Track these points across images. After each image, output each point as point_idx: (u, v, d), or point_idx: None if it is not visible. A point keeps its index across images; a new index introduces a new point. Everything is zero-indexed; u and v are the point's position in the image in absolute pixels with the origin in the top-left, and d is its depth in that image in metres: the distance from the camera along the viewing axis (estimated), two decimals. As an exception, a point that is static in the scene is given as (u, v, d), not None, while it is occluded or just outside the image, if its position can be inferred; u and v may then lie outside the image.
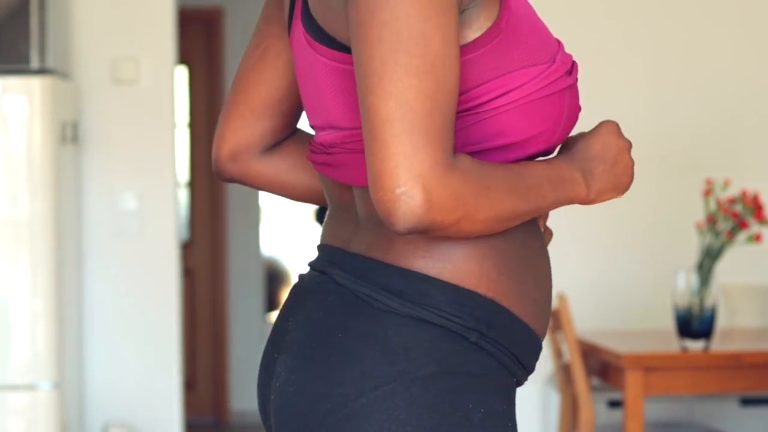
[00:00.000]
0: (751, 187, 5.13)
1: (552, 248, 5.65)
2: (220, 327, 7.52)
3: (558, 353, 4.44)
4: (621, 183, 1.57)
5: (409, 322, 1.45)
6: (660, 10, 5.28)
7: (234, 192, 7.63)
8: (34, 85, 4.52)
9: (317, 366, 1.47)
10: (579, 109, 1.56)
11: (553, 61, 1.51)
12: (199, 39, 7.65)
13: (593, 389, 4.80)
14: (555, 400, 4.95)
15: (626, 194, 5.28)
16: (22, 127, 4.52)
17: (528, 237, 1.55)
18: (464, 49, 1.45)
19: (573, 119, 1.55)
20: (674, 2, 5.29)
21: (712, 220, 4.19)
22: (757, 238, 4.23)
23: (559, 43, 1.56)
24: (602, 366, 4.27)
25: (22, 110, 4.52)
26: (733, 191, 5.06)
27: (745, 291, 4.91)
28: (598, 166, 1.55)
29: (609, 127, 1.59)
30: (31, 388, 4.51)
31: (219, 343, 7.48)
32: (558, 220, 5.29)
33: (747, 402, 4.86)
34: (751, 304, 4.90)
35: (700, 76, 5.28)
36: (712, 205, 4.30)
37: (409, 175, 1.33)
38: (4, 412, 4.49)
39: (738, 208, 4.20)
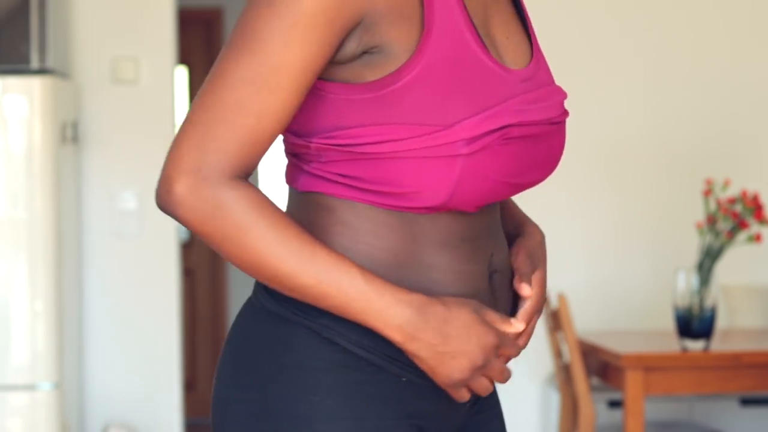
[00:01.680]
0: (751, 187, 5.13)
1: (552, 248, 5.66)
2: (220, 327, 7.53)
3: (558, 353, 4.44)
4: (443, 375, 1.51)
5: (273, 318, 1.55)
6: (660, 10, 5.28)
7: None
8: (34, 85, 4.52)
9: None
10: (492, 179, 1.52)
11: (449, 126, 1.49)
12: (199, 39, 7.65)
13: (593, 389, 4.79)
14: (555, 399, 4.95)
15: (626, 194, 5.31)
16: (22, 127, 4.52)
17: (426, 256, 1.56)
18: (358, 88, 1.49)
19: (475, 188, 1.51)
20: (674, 3, 5.29)
21: (712, 220, 4.19)
22: (757, 238, 4.23)
23: (487, 110, 1.51)
24: (602, 366, 4.27)
25: (22, 110, 4.52)
26: (733, 191, 5.06)
27: (745, 291, 4.90)
28: (436, 344, 1.49)
29: (479, 324, 1.51)
30: (31, 388, 4.51)
31: (219, 343, 7.48)
32: (558, 219, 5.30)
33: (747, 402, 4.86)
34: (751, 304, 4.90)
35: (700, 76, 5.28)
36: (712, 205, 4.30)
37: (180, 167, 1.43)
38: (4, 412, 4.48)
39: (738, 208, 4.20)
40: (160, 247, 5.07)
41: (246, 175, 1.46)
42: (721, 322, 4.89)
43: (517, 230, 1.73)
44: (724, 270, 5.01)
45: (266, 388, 1.52)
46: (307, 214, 1.55)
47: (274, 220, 1.45)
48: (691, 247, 5.11)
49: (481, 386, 1.53)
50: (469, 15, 1.53)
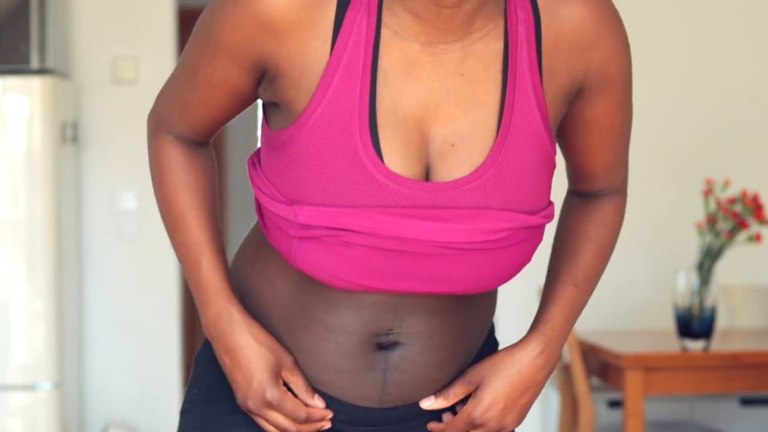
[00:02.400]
0: (751, 187, 5.13)
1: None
2: (220, 327, 7.52)
3: (558, 353, 4.44)
4: (234, 391, 1.61)
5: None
6: (660, 10, 5.28)
7: (234, 191, 7.63)
8: (34, 85, 4.52)
9: None
10: (330, 273, 1.49)
11: (291, 203, 1.48)
12: (199, 39, 7.65)
13: (593, 389, 4.79)
14: (555, 400, 4.95)
15: (627, 194, 5.29)
16: (22, 127, 4.52)
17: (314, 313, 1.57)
18: (266, 128, 1.55)
19: (319, 273, 1.50)
20: (674, 3, 5.29)
21: (712, 220, 4.19)
22: (757, 238, 4.23)
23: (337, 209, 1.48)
24: (602, 366, 4.26)
25: (22, 110, 4.52)
26: (733, 191, 5.06)
27: (745, 291, 4.90)
28: (226, 362, 1.60)
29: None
30: (31, 388, 4.50)
31: (219, 343, 7.48)
32: (558, 218, 5.29)
33: (747, 402, 4.86)
34: (751, 304, 4.90)
35: (700, 76, 5.28)
36: (712, 205, 4.30)
37: (151, 112, 1.65)
38: (4, 412, 4.48)
39: (738, 208, 4.20)
40: (160, 247, 5.07)
41: (197, 140, 1.62)
42: (721, 322, 4.89)
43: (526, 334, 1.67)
44: (724, 270, 5.00)
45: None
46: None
47: (188, 179, 1.61)
48: (691, 247, 5.11)
49: (268, 426, 1.58)
50: (372, 102, 1.46)
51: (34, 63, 4.60)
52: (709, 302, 4.09)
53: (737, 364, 4.04)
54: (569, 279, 1.71)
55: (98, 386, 5.06)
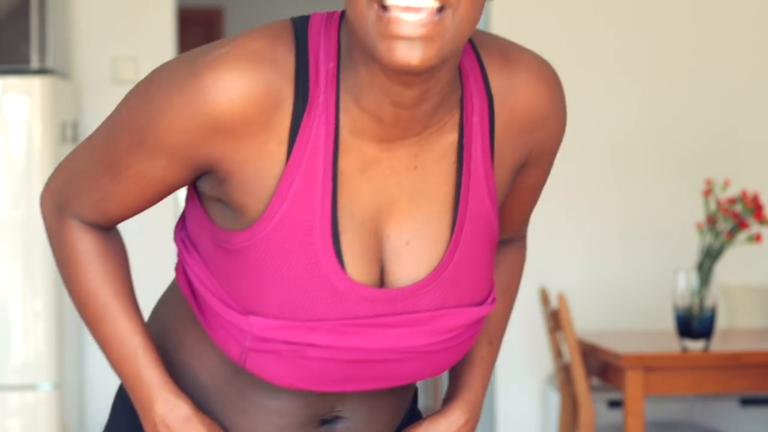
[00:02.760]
0: (751, 188, 5.13)
1: (553, 248, 5.67)
2: (220, 327, 7.52)
3: (558, 353, 4.44)
4: None
5: None
6: (660, 11, 5.28)
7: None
8: (34, 85, 4.51)
9: None
10: (287, 382, 1.46)
11: (246, 313, 1.43)
12: (199, 39, 7.64)
13: (593, 389, 4.79)
14: (555, 400, 4.95)
15: (627, 194, 5.30)
16: (22, 127, 4.52)
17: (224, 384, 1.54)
18: (208, 220, 1.47)
19: (272, 378, 1.46)
20: (675, 3, 5.29)
21: (712, 221, 4.19)
22: (757, 238, 4.23)
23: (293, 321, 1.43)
24: (602, 366, 4.26)
25: (22, 110, 4.51)
26: (733, 191, 5.06)
27: (745, 291, 4.90)
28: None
29: None
30: (31, 388, 4.50)
31: (219, 343, 7.48)
32: (558, 219, 5.30)
33: (747, 402, 4.86)
34: (751, 304, 4.90)
35: (700, 76, 5.28)
36: (713, 206, 4.30)
37: (49, 188, 1.55)
38: (4, 412, 4.48)
39: (738, 208, 4.20)
40: (159, 246, 5.07)
41: (108, 226, 1.52)
42: (721, 322, 4.89)
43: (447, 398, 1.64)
44: (724, 270, 5.00)
45: None
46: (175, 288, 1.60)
47: (107, 267, 1.52)
48: (691, 247, 5.10)
49: None
50: (334, 207, 1.41)
51: (34, 63, 4.59)
52: (709, 302, 4.09)
53: (737, 364, 4.04)
54: (485, 339, 1.64)
55: (98, 386, 5.06)
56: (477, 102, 1.46)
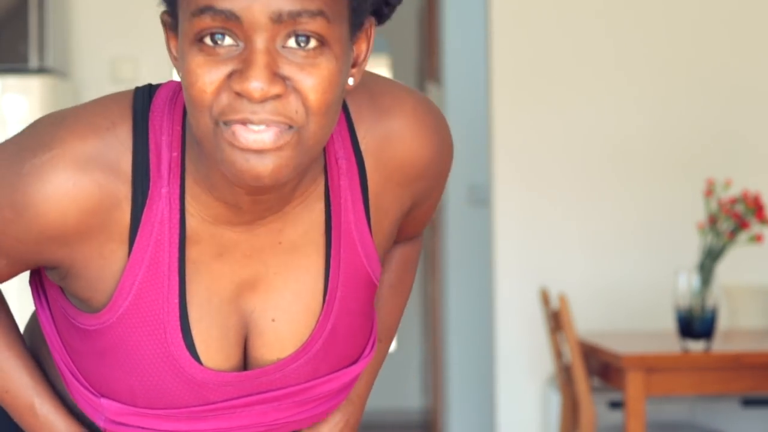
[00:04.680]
0: (753, 188, 5.12)
1: (553, 248, 5.64)
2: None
3: (558, 354, 4.43)
4: None
5: None
6: (661, 11, 5.27)
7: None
8: (34, 84, 4.51)
9: None
10: None
11: (99, 396, 1.40)
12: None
13: (594, 390, 4.78)
14: (556, 400, 4.94)
15: (627, 195, 5.29)
16: (21, 127, 4.51)
17: None
18: (61, 296, 1.42)
19: None
20: (676, 3, 5.28)
21: (713, 221, 4.18)
22: (758, 239, 4.22)
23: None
24: (603, 367, 4.25)
25: (21, 110, 4.50)
26: (734, 191, 5.05)
27: (746, 291, 4.89)
28: None
29: None
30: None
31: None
32: (559, 220, 5.29)
33: (748, 403, 4.85)
34: (753, 304, 4.89)
35: (701, 76, 5.27)
36: (714, 206, 4.29)
37: None
38: (3, 413, 4.48)
39: (739, 208, 4.19)
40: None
41: None
42: (722, 323, 4.88)
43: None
44: (725, 270, 4.99)
45: None
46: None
47: None
48: (692, 248, 5.10)
49: None
50: (182, 299, 1.36)
51: (33, 62, 4.59)
52: (710, 303, 4.08)
53: (739, 364, 4.03)
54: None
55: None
56: (344, 164, 1.39)
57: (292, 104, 1.24)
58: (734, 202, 4.20)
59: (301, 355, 1.41)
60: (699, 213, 5.05)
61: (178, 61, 1.29)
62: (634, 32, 5.27)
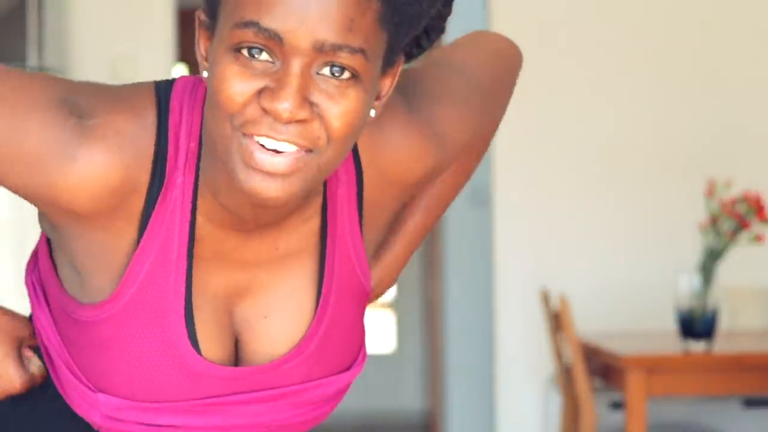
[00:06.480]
0: (754, 188, 5.12)
1: (554, 249, 5.64)
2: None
3: (559, 355, 4.42)
4: None
5: None
6: (663, 10, 5.26)
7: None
8: (33, 84, 4.50)
9: None
10: None
11: (96, 390, 1.39)
12: (198, 39, 7.64)
13: (595, 391, 4.77)
14: (556, 401, 4.93)
15: (628, 195, 5.28)
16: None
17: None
18: (60, 288, 1.42)
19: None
20: (677, 3, 5.27)
21: (714, 221, 4.17)
22: (759, 239, 4.21)
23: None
24: (604, 367, 4.25)
25: (20, 109, 4.50)
26: (735, 192, 5.04)
27: (747, 292, 4.89)
28: None
29: None
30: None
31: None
32: (559, 220, 5.28)
33: (750, 403, 4.84)
34: (754, 305, 4.88)
35: (702, 76, 5.26)
36: (715, 206, 4.28)
37: None
38: (1, 413, 4.47)
39: (740, 208, 4.19)
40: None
41: None
42: (723, 323, 4.87)
43: None
44: (726, 271, 4.98)
45: None
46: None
47: None
48: (693, 248, 5.09)
49: None
50: (188, 290, 1.37)
51: (32, 61, 4.58)
52: (711, 303, 4.07)
53: (740, 365, 4.03)
54: (422, 205, 1.57)
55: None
56: (343, 175, 1.41)
57: (315, 130, 1.26)
58: (735, 202, 4.19)
59: (295, 355, 1.42)
60: (700, 213, 5.04)
61: (208, 63, 1.30)
62: (634, 32, 5.26)
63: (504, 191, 5.23)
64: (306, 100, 1.25)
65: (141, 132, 1.33)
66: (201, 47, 1.33)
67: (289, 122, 1.24)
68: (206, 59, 1.32)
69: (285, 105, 1.23)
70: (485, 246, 5.88)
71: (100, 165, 1.31)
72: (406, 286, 7.85)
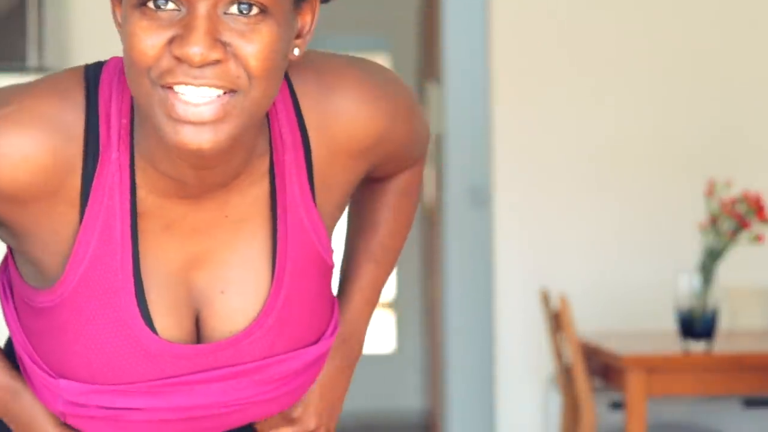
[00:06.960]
0: (754, 188, 5.12)
1: (553, 249, 5.64)
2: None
3: (559, 354, 4.42)
4: None
5: None
6: (663, 10, 5.26)
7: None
8: (32, 83, 4.50)
9: None
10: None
11: (57, 377, 1.39)
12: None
13: (595, 391, 4.77)
14: (556, 401, 4.93)
15: (628, 195, 5.28)
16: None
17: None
18: (18, 276, 1.42)
19: None
20: (677, 3, 5.27)
21: (714, 221, 4.17)
22: (759, 239, 4.21)
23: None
24: (604, 367, 4.25)
25: (20, 109, 4.50)
26: (735, 192, 5.04)
27: (747, 292, 4.89)
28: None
29: None
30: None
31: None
32: (559, 220, 5.28)
33: (750, 403, 4.84)
34: (754, 305, 4.88)
35: (702, 76, 5.26)
36: (714, 206, 4.28)
37: None
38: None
39: (740, 208, 4.18)
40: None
41: None
42: (723, 324, 4.87)
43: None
44: (726, 271, 4.98)
45: None
46: None
47: None
48: (693, 248, 5.09)
49: None
50: (136, 267, 1.36)
51: (32, 60, 4.57)
52: (711, 303, 4.07)
53: (740, 365, 4.02)
54: (371, 258, 1.59)
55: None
56: (288, 139, 1.40)
57: (233, 70, 1.26)
58: (735, 202, 4.19)
59: (255, 329, 1.40)
60: (700, 213, 5.04)
61: (122, 27, 1.30)
62: (634, 32, 5.26)
63: (504, 191, 5.22)
64: (217, 41, 1.25)
65: (69, 113, 1.33)
66: (117, 15, 1.34)
67: (202, 65, 1.24)
68: (121, 25, 1.32)
69: (195, 49, 1.23)
70: (485, 246, 5.87)
71: (23, 147, 1.30)
72: (406, 286, 7.85)
